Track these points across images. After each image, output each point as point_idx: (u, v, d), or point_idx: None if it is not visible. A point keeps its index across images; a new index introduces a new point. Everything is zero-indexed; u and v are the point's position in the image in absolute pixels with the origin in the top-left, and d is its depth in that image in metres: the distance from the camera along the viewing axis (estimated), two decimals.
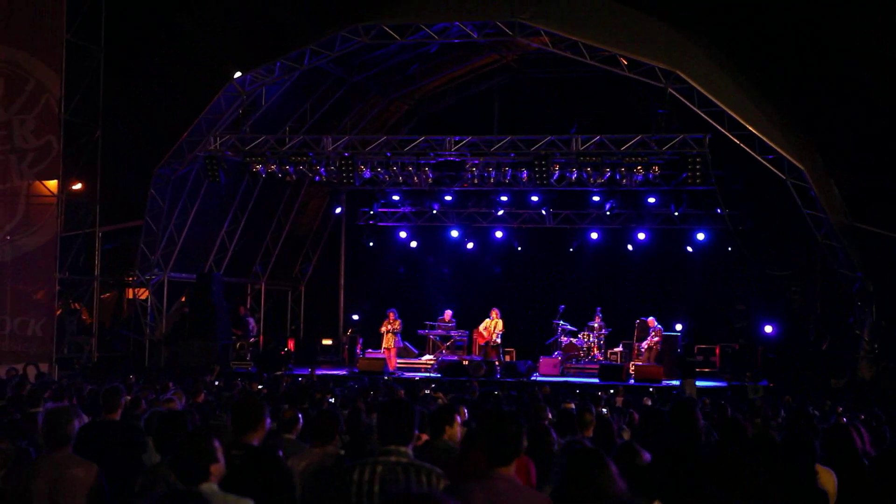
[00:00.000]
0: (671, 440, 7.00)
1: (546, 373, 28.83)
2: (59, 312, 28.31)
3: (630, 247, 33.18)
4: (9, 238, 27.83)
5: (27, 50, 27.84)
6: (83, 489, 7.48)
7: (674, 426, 7.15)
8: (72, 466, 7.50)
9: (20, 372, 21.51)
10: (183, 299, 31.37)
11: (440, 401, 15.09)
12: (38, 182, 28.02)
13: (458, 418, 8.58)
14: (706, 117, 24.68)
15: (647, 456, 6.70)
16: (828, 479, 8.10)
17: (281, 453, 7.89)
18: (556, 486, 6.08)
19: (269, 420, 7.54)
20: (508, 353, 30.70)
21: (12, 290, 27.77)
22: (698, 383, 25.60)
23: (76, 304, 30.27)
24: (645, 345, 29.31)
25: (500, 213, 33.70)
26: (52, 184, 27.86)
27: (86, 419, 10.94)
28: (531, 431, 8.26)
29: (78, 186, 30.25)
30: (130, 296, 33.08)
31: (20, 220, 27.93)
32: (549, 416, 12.09)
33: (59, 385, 17.01)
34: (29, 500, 7.46)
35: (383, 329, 29.87)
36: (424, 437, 8.55)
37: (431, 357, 30.75)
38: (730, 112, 24.51)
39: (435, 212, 34.11)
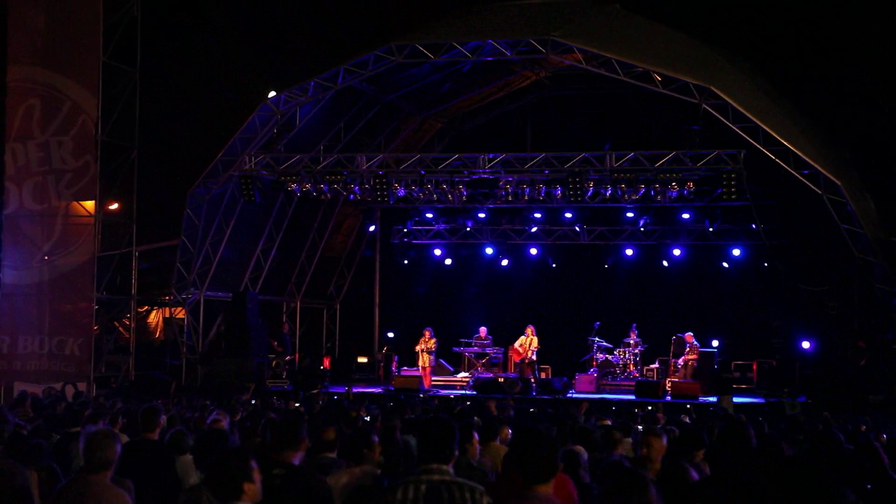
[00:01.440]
0: (724, 461, 6.97)
1: (582, 390, 28.73)
2: (96, 331, 28.46)
3: (665, 263, 33.06)
4: (46, 258, 28.02)
5: (63, 72, 28.07)
6: None
7: (724, 446, 7.11)
8: (102, 492, 7.47)
9: (58, 390, 21.69)
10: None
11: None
12: (75, 202, 28.20)
13: (477, 435, 8.58)
14: (741, 133, 24.61)
15: (694, 475, 6.68)
16: None
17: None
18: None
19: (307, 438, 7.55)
20: (544, 369, 30.63)
21: (50, 310, 27.95)
22: (735, 399, 25.46)
23: (117, 323, 30.44)
24: (681, 361, 29.14)
25: (534, 229, 33.66)
26: (90, 204, 28.03)
27: (124, 439, 11.03)
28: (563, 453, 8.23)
29: (114, 206, 30.46)
30: (167, 315, 33.25)
31: (58, 240, 28.11)
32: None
33: (98, 404, 17.11)
34: None
35: (419, 347, 29.92)
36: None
37: (467, 374, 30.70)
38: (764, 127, 24.42)
39: (469, 229, 34.10)
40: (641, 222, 31.81)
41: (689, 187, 26.02)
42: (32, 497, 8.75)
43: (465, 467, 8.03)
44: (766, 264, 31.45)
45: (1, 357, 27.95)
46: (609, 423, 13.49)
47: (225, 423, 11.79)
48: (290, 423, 7.46)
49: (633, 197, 27.19)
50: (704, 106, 24.67)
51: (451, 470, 6.39)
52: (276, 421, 7.71)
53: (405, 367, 30.94)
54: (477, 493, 6.21)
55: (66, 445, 10.77)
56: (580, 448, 9.65)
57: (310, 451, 9.47)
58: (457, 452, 6.58)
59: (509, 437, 10.83)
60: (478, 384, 28.71)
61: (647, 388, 27.69)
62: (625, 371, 30.02)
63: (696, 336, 29.29)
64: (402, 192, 28.25)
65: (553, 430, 10.72)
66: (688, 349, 29.07)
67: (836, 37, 29.36)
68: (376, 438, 8.73)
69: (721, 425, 9.68)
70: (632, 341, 30.11)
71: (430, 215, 34.12)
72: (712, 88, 24.48)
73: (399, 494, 6.23)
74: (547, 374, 30.42)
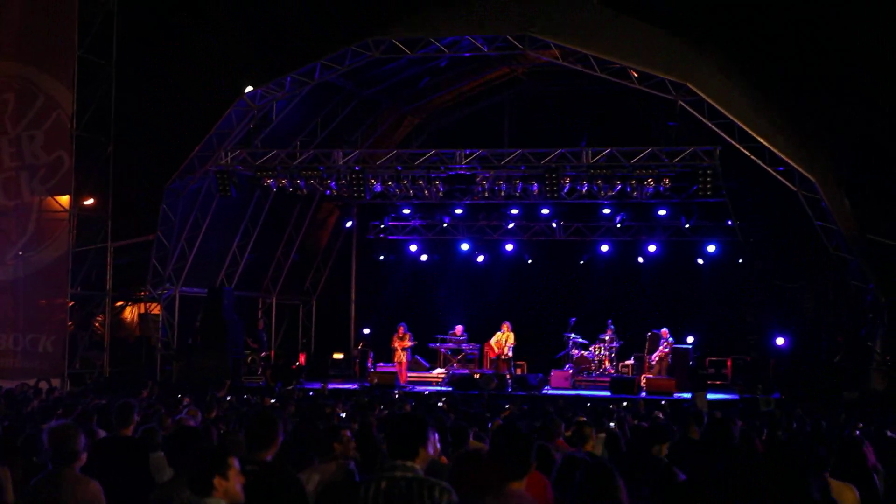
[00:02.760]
0: (707, 461, 6.99)
1: (557, 386, 28.80)
2: (71, 328, 28.33)
3: (641, 259, 33.15)
4: (21, 254, 27.86)
5: (38, 66, 27.91)
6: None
7: (709, 445, 7.13)
8: (74, 484, 7.48)
9: (32, 387, 21.57)
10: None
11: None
12: (49, 197, 28.04)
13: (471, 435, 8.55)
14: (716, 129, 24.70)
15: (682, 476, 6.70)
16: (850, 494, 8.08)
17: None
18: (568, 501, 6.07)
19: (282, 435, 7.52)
20: (519, 366, 30.69)
21: (25, 306, 27.80)
22: (710, 396, 25.56)
23: (95, 320, 30.31)
24: (656, 356, 29.19)
25: (511, 226, 33.67)
26: (64, 199, 27.89)
27: (101, 434, 10.99)
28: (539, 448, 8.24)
29: (90, 202, 30.31)
30: (143, 311, 33.14)
31: (31, 235, 27.96)
32: (563, 430, 12.03)
33: (70, 401, 17.03)
34: None
35: (394, 344, 29.91)
36: (444, 459, 8.47)
37: (442, 371, 30.72)
38: (740, 124, 24.52)
39: (445, 225, 34.08)
40: (618, 219, 31.87)
41: (665, 184, 26.12)
42: (5, 492, 8.74)
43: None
44: (741, 261, 31.57)
45: None
46: (584, 419, 13.49)
47: (192, 421, 11.76)
48: (264, 420, 7.43)
49: (610, 193, 27.29)
50: (680, 102, 24.76)
51: (416, 466, 6.34)
52: (249, 418, 7.68)
53: (381, 363, 30.91)
54: (437, 490, 6.15)
55: (38, 441, 10.70)
56: (553, 444, 9.68)
57: (284, 447, 9.48)
58: (430, 450, 6.54)
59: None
60: (453, 380, 28.75)
61: (622, 385, 27.76)
62: (600, 367, 30.09)
63: (671, 332, 29.37)
64: (378, 188, 28.26)
65: (529, 427, 10.76)
66: (662, 344, 29.13)
67: (814, 33, 29.44)
68: (349, 434, 8.71)
69: (705, 424, 9.72)
70: (607, 337, 30.18)
71: (406, 211, 34.09)
72: (688, 85, 24.56)
73: (362, 492, 6.21)
74: (523, 371, 30.47)
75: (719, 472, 6.83)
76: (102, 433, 11.23)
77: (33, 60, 27.93)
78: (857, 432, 15.81)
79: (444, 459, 8.39)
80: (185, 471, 7.29)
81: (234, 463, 6.15)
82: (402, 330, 29.93)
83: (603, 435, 11.81)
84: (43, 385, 22.35)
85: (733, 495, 5.93)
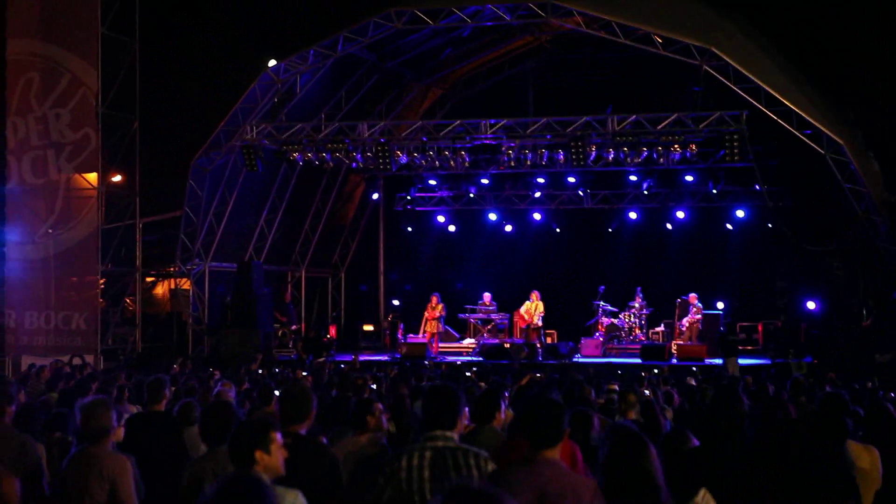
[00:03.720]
0: (715, 426, 6.98)
1: (588, 354, 28.78)
2: (102, 304, 28.52)
3: (669, 226, 33.04)
4: (50, 232, 28.03)
5: (62, 44, 27.99)
6: (116, 481, 7.52)
7: (717, 411, 7.11)
8: (102, 460, 7.54)
9: (67, 364, 21.75)
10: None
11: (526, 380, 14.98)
12: (77, 175, 28.17)
13: (504, 404, 8.55)
14: (742, 94, 24.54)
15: (695, 442, 6.70)
16: (866, 456, 8.06)
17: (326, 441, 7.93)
18: (599, 469, 6.08)
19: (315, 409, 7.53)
20: (549, 334, 30.71)
21: (56, 284, 28.00)
22: (741, 361, 25.53)
23: (128, 298, 30.51)
24: (686, 321, 29.16)
25: (538, 195, 33.61)
26: (92, 177, 28.02)
27: (132, 410, 11.08)
28: (572, 416, 8.24)
29: (117, 179, 30.45)
30: (173, 286, 33.30)
31: (60, 213, 28.12)
32: (593, 397, 12.04)
33: (103, 377, 17.16)
34: (69, 494, 7.54)
35: (427, 314, 29.97)
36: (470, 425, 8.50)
37: (472, 341, 30.79)
38: (766, 88, 24.35)
39: (472, 195, 34.07)
40: (645, 185, 31.76)
41: (691, 149, 25.97)
42: (43, 469, 8.84)
43: (489, 435, 7.98)
44: (769, 225, 31.41)
45: (8, 331, 28.06)
46: (616, 387, 13.50)
47: (231, 394, 11.83)
48: (298, 393, 7.44)
49: (636, 160, 27.16)
50: (705, 67, 24.61)
51: (455, 436, 6.39)
52: (283, 392, 7.69)
53: (411, 335, 30.99)
54: (482, 460, 6.22)
55: (72, 418, 10.82)
56: (587, 413, 9.68)
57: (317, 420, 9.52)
58: (466, 420, 6.57)
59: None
60: (484, 350, 28.79)
61: (652, 352, 27.74)
62: (630, 334, 30.09)
63: (700, 298, 29.34)
64: (404, 160, 28.22)
65: (559, 395, 10.76)
66: (692, 310, 29.11)
67: None
68: (380, 405, 8.73)
69: (713, 391, 9.71)
70: (637, 305, 30.17)
71: (433, 182, 34.08)
72: (713, 49, 24.40)
73: (404, 462, 6.24)
74: (552, 339, 30.49)
75: (751, 441, 6.83)
76: (135, 409, 11.33)
77: (57, 39, 28.01)
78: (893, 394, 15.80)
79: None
80: (218, 445, 7.35)
81: (277, 437, 6.11)
82: (434, 300, 29.98)
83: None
84: (76, 361, 22.54)
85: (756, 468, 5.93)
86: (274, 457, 6.04)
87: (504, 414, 8.40)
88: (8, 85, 28.31)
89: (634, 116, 25.74)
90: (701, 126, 25.14)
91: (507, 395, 10.48)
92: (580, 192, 33.10)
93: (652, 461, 5.74)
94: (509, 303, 31.08)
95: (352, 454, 8.04)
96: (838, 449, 7.67)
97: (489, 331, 30.92)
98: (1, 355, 27.87)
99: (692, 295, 29.34)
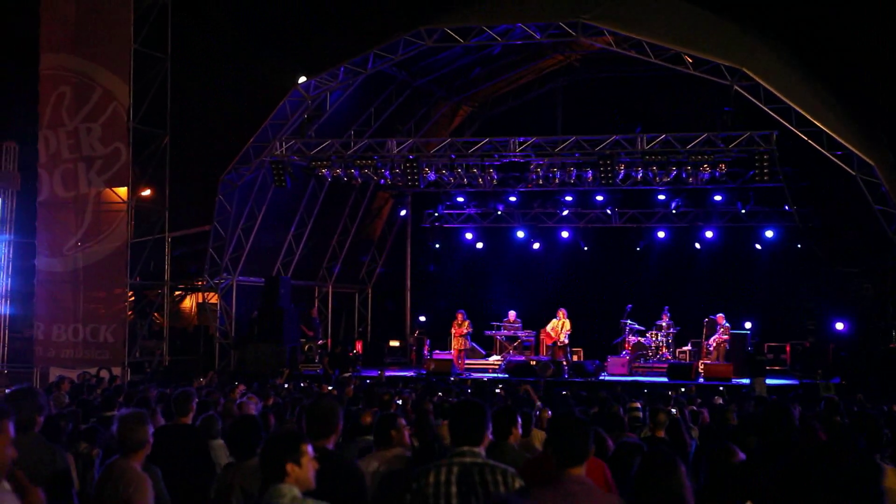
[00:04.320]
0: (764, 440, 6.97)
1: (614, 372, 28.69)
2: (130, 317, 28.65)
3: (697, 245, 32.95)
4: (79, 245, 28.19)
5: (95, 60, 28.20)
6: (147, 494, 7.54)
7: (769, 427, 7.09)
8: (124, 474, 7.55)
9: (93, 375, 21.86)
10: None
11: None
12: (107, 189, 28.34)
13: (520, 419, 8.55)
14: (773, 114, 24.47)
15: (742, 456, 6.67)
16: (893, 476, 8.01)
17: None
18: (628, 487, 6.06)
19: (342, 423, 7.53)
20: (576, 352, 30.63)
21: (84, 297, 28.14)
22: (768, 381, 25.39)
23: (156, 314, 30.66)
24: (713, 341, 29.07)
25: (566, 213, 33.58)
26: (122, 191, 28.18)
27: (162, 422, 11.13)
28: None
29: (147, 193, 30.62)
30: (201, 300, 33.44)
31: (89, 227, 28.26)
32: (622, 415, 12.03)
33: (131, 389, 17.23)
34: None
35: (453, 330, 29.98)
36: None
37: (498, 357, 30.74)
38: (797, 108, 24.28)
39: (500, 213, 34.05)
40: (673, 205, 31.71)
41: (721, 169, 25.90)
42: (72, 480, 8.87)
43: (507, 452, 7.99)
44: (799, 246, 31.30)
45: (37, 343, 28.23)
46: (638, 405, 13.45)
47: (253, 407, 11.87)
48: (326, 408, 7.44)
49: (665, 179, 27.10)
50: (736, 87, 24.56)
51: (482, 452, 6.40)
52: (311, 406, 7.69)
53: (437, 351, 30.99)
54: (509, 476, 6.23)
55: (100, 430, 10.86)
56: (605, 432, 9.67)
57: (346, 434, 9.53)
58: (490, 436, 6.59)
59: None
60: (510, 367, 28.73)
61: (679, 371, 27.62)
62: (657, 353, 29.96)
63: (728, 318, 29.23)
64: (432, 177, 28.29)
65: (586, 413, 10.75)
66: (720, 330, 29.01)
67: (869, 18, 29.10)
68: (403, 421, 8.74)
69: (762, 409, 9.65)
70: (664, 324, 30.05)
71: (460, 199, 34.14)
72: (744, 70, 24.36)
73: (431, 478, 6.25)
74: (579, 357, 30.42)
75: (783, 463, 6.80)
76: (162, 421, 11.37)
77: (89, 54, 28.23)
78: None
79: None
80: (246, 459, 7.36)
81: (308, 450, 6.07)
82: (461, 317, 29.99)
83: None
84: (104, 374, 22.64)
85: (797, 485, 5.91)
86: (304, 469, 6.00)
87: (521, 429, 8.40)
88: (41, 99, 28.55)
89: (664, 135, 25.71)
90: (731, 146, 25.08)
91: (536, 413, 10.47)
92: (608, 211, 33.07)
93: (682, 479, 5.72)
94: (536, 320, 31.03)
95: (377, 469, 8.05)
96: (871, 465, 7.63)
97: (515, 348, 30.88)
98: (29, 367, 28.05)
99: (720, 315, 29.23)
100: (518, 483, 6.20)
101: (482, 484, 6.15)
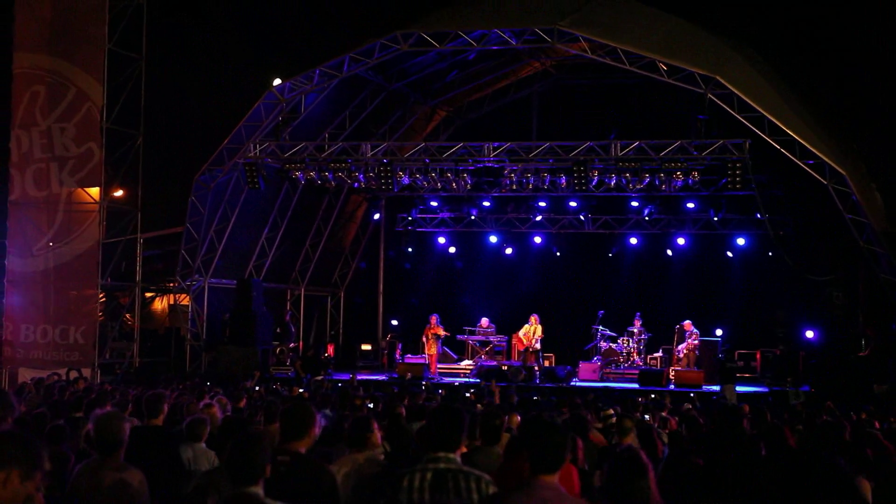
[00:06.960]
0: (715, 449, 7.00)
1: (585, 378, 28.77)
2: (101, 318, 28.50)
3: (670, 252, 33.06)
4: (50, 245, 28.05)
5: (69, 59, 28.08)
6: (130, 495, 7.52)
7: (718, 435, 7.13)
8: (121, 472, 7.54)
9: (63, 377, 21.74)
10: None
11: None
12: (79, 189, 28.20)
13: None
14: (746, 122, 24.60)
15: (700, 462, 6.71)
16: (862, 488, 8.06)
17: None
18: (598, 492, 6.08)
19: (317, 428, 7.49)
20: (548, 358, 30.66)
21: (55, 297, 27.99)
22: (739, 388, 25.51)
23: (127, 315, 30.51)
24: (682, 348, 29.19)
25: (539, 218, 33.65)
26: (94, 191, 28.05)
27: (135, 422, 11.09)
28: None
29: (119, 193, 30.47)
30: (172, 302, 33.29)
31: (60, 227, 28.12)
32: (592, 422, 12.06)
33: (101, 390, 17.14)
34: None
35: (427, 334, 29.97)
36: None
37: (470, 362, 30.75)
38: (770, 117, 24.42)
39: (473, 217, 34.11)
40: (646, 211, 31.86)
41: (694, 177, 26.02)
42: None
43: (493, 456, 7.99)
44: (770, 254, 31.43)
45: (5, 344, 28.05)
46: (612, 411, 13.49)
47: (218, 412, 11.83)
48: (300, 411, 7.40)
49: (638, 186, 27.19)
50: (710, 96, 24.68)
51: (457, 458, 6.39)
52: (285, 410, 7.65)
53: (409, 355, 30.97)
54: (483, 483, 6.22)
55: (70, 430, 10.82)
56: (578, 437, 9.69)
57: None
58: (465, 440, 6.58)
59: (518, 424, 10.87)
60: (481, 372, 28.75)
61: (650, 377, 27.72)
62: (628, 360, 30.03)
63: (699, 325, 29.39)
64: (406, 181, 28.29)
65: (559, 419, 10.76)
66: (688, 337, 29.13)
67: (844, 25, 29.29)
68: (376, 425, 8.72)
69: (715, 414, 9.72)
70: (636, 330, 30.13)
71: (434, 203, 34.16)
72: (718, 78, 24.48)
73: (405, 483, 6.23)
74: (551, 363, 30.46)
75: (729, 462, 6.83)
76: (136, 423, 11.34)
77: (64, 54, 28.11)
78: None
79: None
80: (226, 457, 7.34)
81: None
82: (433, 321, 30.01)
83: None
84: (73, 375, 22.51)
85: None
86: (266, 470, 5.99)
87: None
88: (14, 98, 28.38)
89: (637, 142, 25.80)
90: (704, 153, 25.21)
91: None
92: (581, 217, 33.15)
93: (651, 484, 5.74)
94: (509, 325, 31.06)
95: (349, 473, 8.02)
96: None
97: (487, 353, 30.90)
98: None
99: (687, 322, 29.38)
100: (492, 489, 6.19)
101: (456, 490, 6.14)
